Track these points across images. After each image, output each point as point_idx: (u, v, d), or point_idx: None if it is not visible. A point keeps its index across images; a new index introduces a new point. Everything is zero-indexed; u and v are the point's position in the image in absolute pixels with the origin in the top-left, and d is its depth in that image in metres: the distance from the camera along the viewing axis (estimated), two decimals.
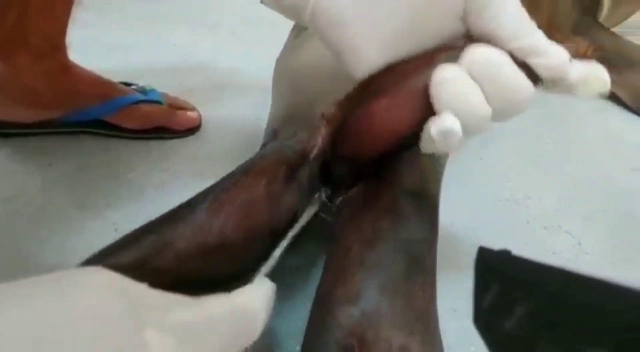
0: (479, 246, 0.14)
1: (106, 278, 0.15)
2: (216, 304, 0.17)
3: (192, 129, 0.50)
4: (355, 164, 0.26)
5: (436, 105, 0.19)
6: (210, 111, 0.53)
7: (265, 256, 0.24)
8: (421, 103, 0.20)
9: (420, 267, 0.24)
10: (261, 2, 0.27)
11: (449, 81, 0.18)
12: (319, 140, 0.26)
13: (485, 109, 0.18)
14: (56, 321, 0.12)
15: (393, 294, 0.22)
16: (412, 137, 0.21)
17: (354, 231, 0.25)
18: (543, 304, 0.11)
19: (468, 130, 0.18)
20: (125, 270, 0.15)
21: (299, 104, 0.32)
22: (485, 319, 0.13)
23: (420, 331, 0.21)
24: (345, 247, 0.24)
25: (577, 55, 0.21)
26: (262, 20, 0.33)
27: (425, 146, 0.21)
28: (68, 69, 0.44)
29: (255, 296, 0.18)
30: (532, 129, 0.57)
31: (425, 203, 0.28)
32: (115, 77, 0.48)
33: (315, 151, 0.27)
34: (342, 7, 0.20)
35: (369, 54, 0.21)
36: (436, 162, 0.32)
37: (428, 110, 0.20)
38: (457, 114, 0.18)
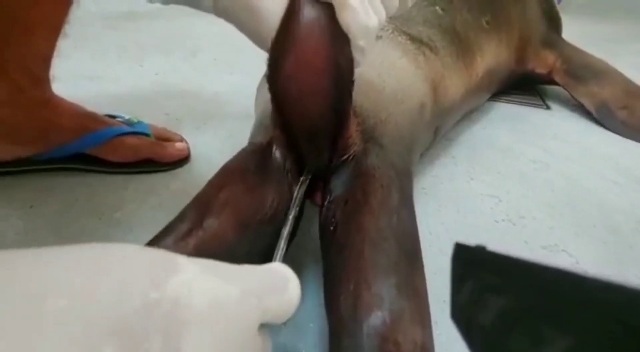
0: (455, 242, 0.14)
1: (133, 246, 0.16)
2: (245, 265, 0.17)
3: (181, 161, 0.48)
4: (313, 128, 0.27)
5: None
6: (199, 141, 0.51)
7: (268, 251, 0.24)
8: (320, 33, 0.23)
9: (415, 259, 0.26)
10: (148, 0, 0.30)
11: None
12: (273, 123, 0.29)
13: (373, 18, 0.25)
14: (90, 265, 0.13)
15: (407, 291, 0.23)
16: (334, 67, 0.24)
17: (359, 233, 0.25)
18: (517, 297, 0.11)
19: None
20: None
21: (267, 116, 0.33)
22: (461, 312, 0.14)
23: (428, 323, 0.23)
24: (358, 251, 0.25)
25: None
26: (243, 45, 0.33)
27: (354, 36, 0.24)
28: (49, 103, 0.42)
29: (282, 266, 0.19)
30: (513, 147, 0.59)
31: (404, 193, 0.30)
32: (98, 109, 0.46)
33: (275, 134, 0.29)
34: None
35: (271, 19, 0.24)
36: (402, 152, 0.35)
37: (328, 37, 0.23)
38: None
